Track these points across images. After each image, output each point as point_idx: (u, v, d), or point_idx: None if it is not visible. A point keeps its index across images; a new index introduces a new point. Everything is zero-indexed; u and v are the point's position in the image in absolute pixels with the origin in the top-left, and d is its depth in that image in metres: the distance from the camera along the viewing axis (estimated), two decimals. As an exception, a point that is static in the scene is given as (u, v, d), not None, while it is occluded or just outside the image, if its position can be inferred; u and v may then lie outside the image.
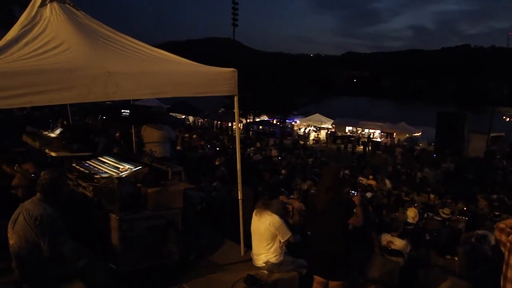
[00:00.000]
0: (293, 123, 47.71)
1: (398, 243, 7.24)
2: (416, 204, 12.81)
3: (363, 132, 44.60)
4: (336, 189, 4.78)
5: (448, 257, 7.69)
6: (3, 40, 5.23)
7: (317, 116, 45.54)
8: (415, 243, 7.81)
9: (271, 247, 5.31)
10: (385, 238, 7.41)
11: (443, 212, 11.59)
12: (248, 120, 42.23)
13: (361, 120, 44.61)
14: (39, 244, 3.80)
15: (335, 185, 4.77)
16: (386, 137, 41.94)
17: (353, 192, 10.99)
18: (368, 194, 13.25)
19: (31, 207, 3.90)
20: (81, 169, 5.98)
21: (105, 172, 5.65)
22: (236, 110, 5.71)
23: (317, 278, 4.97)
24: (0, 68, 4.30)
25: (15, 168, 6.30)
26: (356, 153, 33.72)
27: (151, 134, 8.22)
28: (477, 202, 13.35)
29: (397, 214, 11.08)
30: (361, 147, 37.19)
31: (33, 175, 6.00)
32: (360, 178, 17.06)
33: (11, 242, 3.88)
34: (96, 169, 5.89)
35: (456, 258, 7.57)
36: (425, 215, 11.67)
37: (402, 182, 18.70)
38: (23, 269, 3.84)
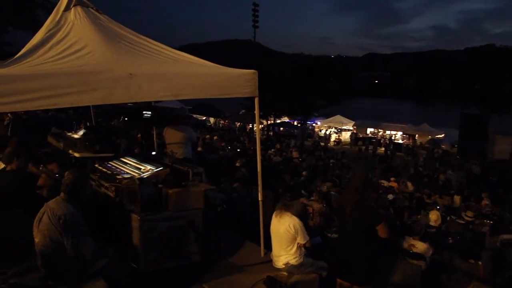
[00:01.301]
0: (313, 124, 47.56)
1: (420, 246, 7.14)
2: (438, 207, 12.61)
3: (385, 134, 44.23)
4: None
5: (472, 261, 7.54)
6: (29, 43, 5.36)
7: (338, 117, 45.32)
8: (437, 246, 7.70)
9: (291, 248, 5.30)
10: (407, 241, 7.33)
11: (466, 215, 11.41)
12: (269, 122, 42.23)
13: (383, 122, 44.24)
14: (63, 243, 3.87)
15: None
16: (408, 139, 41.51)
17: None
18: (390, 196, 13.12)
19: (55, 206, 3.97)
20: (103, 169, 6.08)
21: (127, 173, 5.74)
22: (256, 112, 5.73)
23: (340, 282, 4.95)
24: (27, 71, 4.42)
25: (41, 168, 6.43)
26: (377, 155, 33.43)
27: (172, 135, 8.28)
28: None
29: (419, 216, 10.94)
30: (383, 149, 36.84)
31: (57, 175, 6.12)
32: (382, 180, 16.92)
33: (36, 240, 3.96)
34: (118, 169, 5.98)
35: (480, 263, 7.42)
36: (448, 218, 11.50)
37: (424, 185, 18.46)
38: (47, 266, 3.91)
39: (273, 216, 5.46)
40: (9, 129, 10.93)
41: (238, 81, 5.34)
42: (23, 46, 5.42)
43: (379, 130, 44.73)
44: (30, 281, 3.61)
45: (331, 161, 23.84)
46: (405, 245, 7.29)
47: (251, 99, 5.58)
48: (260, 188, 5.79)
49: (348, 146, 40.01)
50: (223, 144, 21.73)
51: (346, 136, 44.29)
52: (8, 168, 5.70)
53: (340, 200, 5.28)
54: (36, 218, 4.02)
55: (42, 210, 4.03)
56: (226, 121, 44.22)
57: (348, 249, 4.81)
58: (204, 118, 42.39)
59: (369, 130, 45.44)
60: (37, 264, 4.00)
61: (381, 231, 4.69)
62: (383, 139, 41.98)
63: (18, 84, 4.10)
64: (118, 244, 4.92)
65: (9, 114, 12.01)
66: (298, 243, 5.29)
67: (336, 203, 5.81)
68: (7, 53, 6.41)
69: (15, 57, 5.01)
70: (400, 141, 41.02)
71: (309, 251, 5.57)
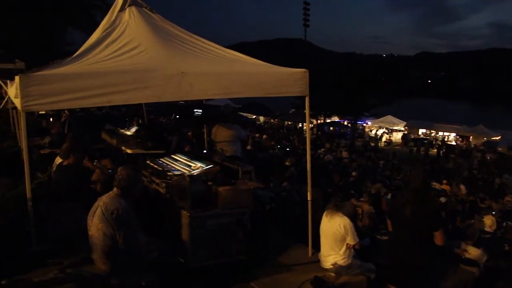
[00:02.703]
0: (364, 124, 46.92)
1: (473, 252, 6.90)
2: (494, 212, 12.14)
3: (437, 135, 43.08)
4: (425, 192, 4.68)
5: (532, 270, 7.22)
6: (87, 43, 5.55)
7: (389, 117, 44.53)
8: (492, 253, 7.40)
9: (339, 249, 5.23)
10: (459, 246, 7.09)
11: (524, 222, 10.95)
12: (319, 121, 41.97)
13: (436, 123, 43.12)
14: (115, 236, 3.97)
15: (424, 188, 4.67)
16: (462, 141, 40.25)
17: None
18: (442, 199, 12.80)
19: (108, 201, 4.07)
20: (155, 166, 6.20)
21: (178, 170, 5.83)
22: (307, 111, 5.69)
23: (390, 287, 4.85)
24: (84, 70, 4.58)
25: (95, 163, 6.64)
26: (429, 157, 32.61)
27: (222, 133, 8.34)
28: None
29: (472, 221, 10.57)
30: (435, 150, 35.88)
31: (110, 170, 6.30)
32: (434, 183, 16.51)
33: (90, 233, 4.08)
34: (169, 166, 6.09)
35: (542, 273, 7.09)
36: (504, 223, 11.05)
37: (479, 188, 17.85)
38: (100, 259, 4.02)
39: (324, 215, 5.41)
40: (66, 126, 11.34)
41: (289, 80, 5.32)
42: (81, 46, 5.60)
43: (432, 131, 43.62)
44: (85, 272, 3.71)
45: (381, 162, 23.48)
46: (458, 250, 7.06)
47: (301, 98, 5.55)
48: (309, 188, 5.74)
49: (399, 147, 39.24)
50: (272, 143, 21.78)
51: (397, 136, 43.48)
52: (65, 163, 5.92)
53: (397, 202, 5.17)
54: (90, 211, 4.14)
55: (96, 204, 4.14)
56: (276, 120, 44.24)
57: (403, 254, 4.70)
58: (254, 116, 42.54)
59: (421, 131, 44.37)
60: (91, 256, 4.13)
61: (438, 237, 4.57)
62: (435, 141, 40.89)
63: (75, 82, 4.26)
64: (168, 239, 5.01)
65: (66, 111, 12.47)
66: (347, 244, 5.22)
67: (392, 206, 5.68)
68: (67, 52, 6.67)
69: (73, 56, 5.19)
70: (454, 143, 39.85)
71: (357, 252, 5.49)
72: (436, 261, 6.56)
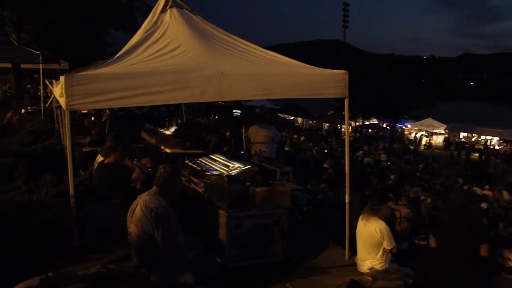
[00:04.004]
0: (403, 127, 46.13)
1: (517, 260, 6.70)
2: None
3: (479, 139, 41.91)
4: (469, 207, 4.63)
5: None
6: (128, 43, 5.67)
7: (429, 120, 43.61)
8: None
9: (376, 253, 5.16)
10: (502, 254, 6.88)
11: None
12: (357, 123, 41.57)
13: (478, 126, 41.96)
14: (154, 234, 4.03)
15: (467, 204, 4.63)
16: (506, 145, 39.03)
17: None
18: (483, 205, 12.45)
19: (148, 199, 4.14)
20: (193, 165, 6.28)
21: (216, 170, 5.89)
22: (346, 113, 5.65)
23: None
24: (126, 70, 4.68)
25: (135, 162, 6.77)
26: (470, 161, 31.78)
27: (258, 134, 8.37)
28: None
29: (516, 229, 10.25)
30: (477, 154, 34.92)
31: (149, 169, 6.41)
32: (475, 188, 16.08)
33: (129, 230, 4.16)
34: (207, 166, 6.16)
35: None
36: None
37: (523, 195, 17.24)
38: (139, 255, 4.10)
39: (360, 219, 5.35)
40: (107, 125, 11.59)
41: (328, 81, 5.29)
42: (123, 46, 5.72)
43: (473, 134, 42.48)
44: (125, 268, 3.78)
45: (420, 165, 23.05)
46: (500, 258, 6.85)
47: (340, 99, 5.51)
48: (347, 190, 5.69)
49: (439, 150, 38.42)
50: (310, 144, 21.71)
51: (437, 140, 42.56)
52: (106, 161, 6.07)
53: (441, 218, 5.11)
54: (130, 209, 4.22)
55: (135, 202, 4.22)
56: (314, 121, 44.05)
57: (451, 269, 4.65)
58: (292, 118, 42.49)
59: (463, 134, 43.28)
60: (129, 252, 4.21)
61: (484, 249, 4.53)
62: (478, 144, 39.81)
63: (117, 82, 4.36)
64: (206, 238, 5.06)
65: (107, 110, 12.75)
66: (384, 248, 5.14)
67: (436, 222, 5.59)
68: (109, 53, 6.83)
69: (115, 56, 5.31)
70: (497, 147, 38.69)
71: (395, 257, 5.40)
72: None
